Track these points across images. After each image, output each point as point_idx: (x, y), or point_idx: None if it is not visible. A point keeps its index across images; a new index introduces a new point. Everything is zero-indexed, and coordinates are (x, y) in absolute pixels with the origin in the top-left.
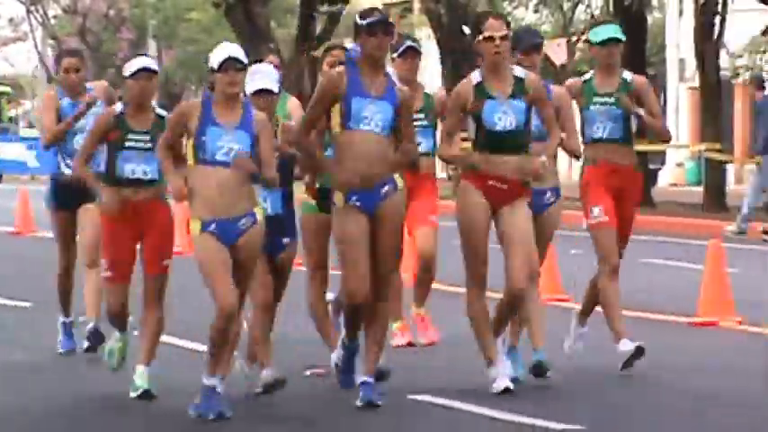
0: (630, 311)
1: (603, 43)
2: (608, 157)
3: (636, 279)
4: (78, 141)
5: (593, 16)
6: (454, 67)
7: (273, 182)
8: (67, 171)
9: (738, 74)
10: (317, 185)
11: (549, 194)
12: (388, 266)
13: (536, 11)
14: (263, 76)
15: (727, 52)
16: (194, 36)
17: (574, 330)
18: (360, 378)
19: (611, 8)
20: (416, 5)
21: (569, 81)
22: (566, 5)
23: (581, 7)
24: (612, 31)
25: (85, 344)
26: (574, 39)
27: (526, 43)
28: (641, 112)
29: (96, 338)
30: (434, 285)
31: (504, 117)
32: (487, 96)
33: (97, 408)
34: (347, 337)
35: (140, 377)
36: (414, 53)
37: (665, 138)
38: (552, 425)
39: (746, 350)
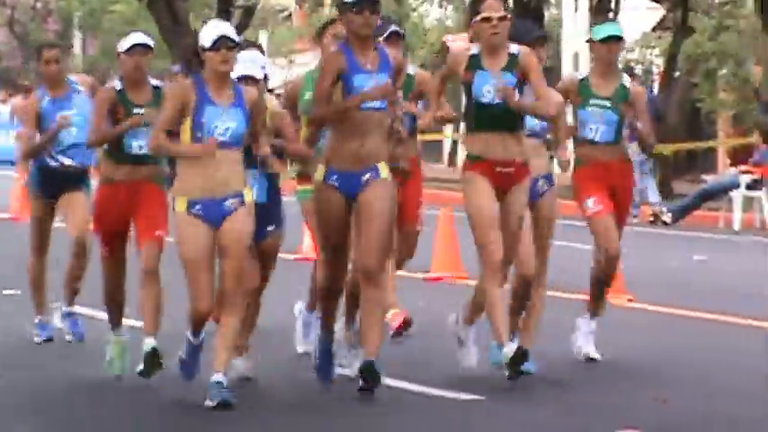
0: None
1: (605, 41)
2: (598, 156)
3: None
4: (63, 134)
5: None
6: None
7: (267, 159)
8: (53, 163)
9: (630, 67)
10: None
11: (540, 182)
12: (371, 259)
13: (441, 6)
14: (248, 62)
15: None
16: (118, 27)
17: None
18: (358, 362)
19: (510, 4)
20: (328, 0)
21: (565, 79)
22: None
23: None
24: (614, 29)
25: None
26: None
27: (530, 37)
28: (639, 125)
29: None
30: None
31: (492, 90)
32: (479, 68)
33: (94, 391)
34: (323, 331)
35: (148, 346)
36: (397, 37)
37: (651, 148)
38: (454, 395)
39: (634, 326)
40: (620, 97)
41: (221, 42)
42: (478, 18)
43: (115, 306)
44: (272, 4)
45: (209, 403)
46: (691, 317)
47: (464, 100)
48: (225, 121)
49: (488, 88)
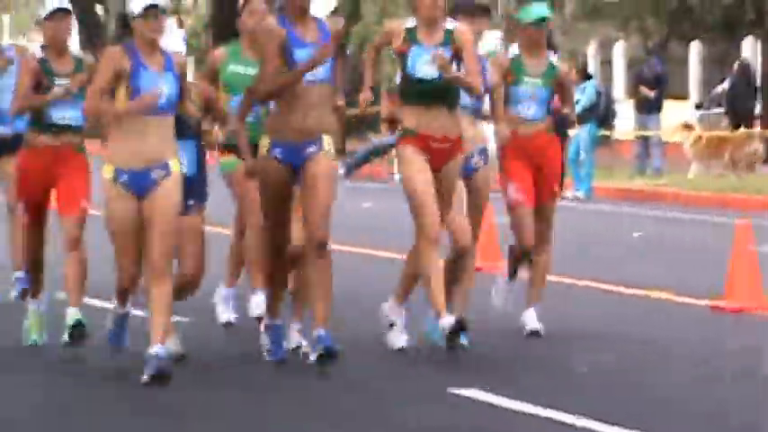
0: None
1: (536, 23)
2: (525, 132)
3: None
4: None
5: None
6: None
7: (194, 115)
8: None
9: None
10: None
11: (476, 158)
12: (321, 230)
13: None
14: (173, 34)
15: None
16: None
17: (502, 285)
18: (316, 332)
19: None
20: None
21: (499, 58)
22: None
23: None
24: (543, 10)
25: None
26: None
27: (470, 8)
28: (567, 110)
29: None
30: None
31: (427, 65)
32: (415, 42)
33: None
34: (270, 316)
35: (71, 317)
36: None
37: (572, 125)
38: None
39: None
40: (550, 75)
41: (151, 10)
42: None
43: (36, 275)
44: None
45: (144, 378)
46: (357, 252)
47: (399, 73)
48: (161, 86)
49: (422, 63)
